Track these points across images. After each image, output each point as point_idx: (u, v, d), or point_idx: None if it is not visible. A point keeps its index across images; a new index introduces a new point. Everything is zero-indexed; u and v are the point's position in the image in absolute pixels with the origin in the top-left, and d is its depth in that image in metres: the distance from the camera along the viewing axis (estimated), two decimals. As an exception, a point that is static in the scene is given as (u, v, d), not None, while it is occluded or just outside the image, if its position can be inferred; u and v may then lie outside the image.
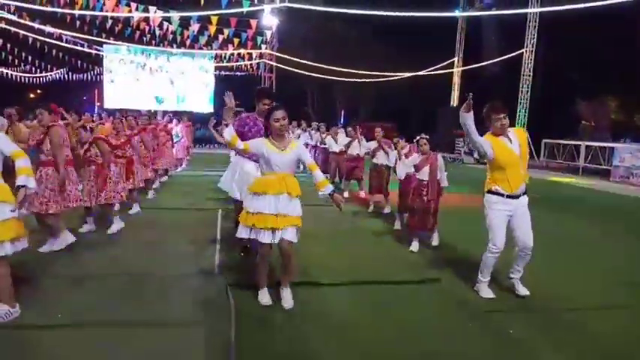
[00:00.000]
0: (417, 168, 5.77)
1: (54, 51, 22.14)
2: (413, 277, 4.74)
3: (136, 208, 7.36)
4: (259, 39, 19.49)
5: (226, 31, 16.82)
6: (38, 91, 34.60)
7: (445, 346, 3.34)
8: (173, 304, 3.87)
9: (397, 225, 6.97)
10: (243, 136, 4.52)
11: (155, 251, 5.35)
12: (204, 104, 26.63)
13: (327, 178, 11.12)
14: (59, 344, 3.15)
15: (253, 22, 17.18)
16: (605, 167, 16.90)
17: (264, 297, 3.97)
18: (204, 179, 11.77)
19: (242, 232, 3.88)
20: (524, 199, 4.18)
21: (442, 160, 5.96)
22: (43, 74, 28.00)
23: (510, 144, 4.10)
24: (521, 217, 4.15)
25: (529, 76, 20.66)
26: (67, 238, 5.17)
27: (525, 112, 20.91)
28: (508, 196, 4.10)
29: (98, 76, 27.74)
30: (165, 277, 4.48)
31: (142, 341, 3.23)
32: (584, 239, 6.85)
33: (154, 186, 9.24)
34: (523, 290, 4.31)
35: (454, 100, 26.03)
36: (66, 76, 27.87)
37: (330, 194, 3.82)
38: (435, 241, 5.99)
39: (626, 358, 3.29)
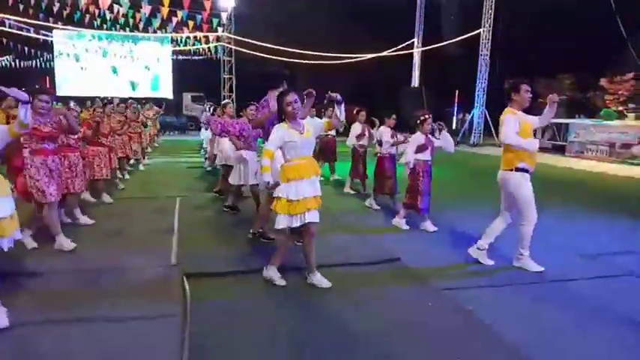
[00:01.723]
0: (422, 148, 5.72)
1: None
2: (373, 257, 4.73)
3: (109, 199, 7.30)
4: (215, 21, 18.92)
5: (180, 13, 16.21)
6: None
7: (404, 326, 3.33)
8: (127, 298, 3.71)
9: (373, 205, 7.07)
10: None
11: (111, 243, 5.16)
12: (167, 90, 26.07)
13: None
14: (7, 343, 2.99)
15: (207, 4, 16.62)
16: (560, 143, 17.41)
17: (279, 279, 4.02)
18: (163, 167, 11.48)
19: (288, 222, 3.80)
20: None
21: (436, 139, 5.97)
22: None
23: (529, 119, 4.34)
24: None
25: (487, 55, 20.94)
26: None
27: (484, 91, 21.23)
28: (530, 171, 4.33)
29: (48, 63, 26.48)
30: (121, 269, 4.32)
31: (93, 339, 3.08)
32: (543, 214, 7.01)
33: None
34: (535, 266, 4.48)
35: (415, 81, 26.21)
36: (12, 63, 26.41)
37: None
38: (431, 227, 5.86)
39: (584, 328, 3.37)
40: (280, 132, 3.80)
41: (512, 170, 4.31)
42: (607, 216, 6.87)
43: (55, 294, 3.71)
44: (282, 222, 3.82)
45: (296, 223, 3.80)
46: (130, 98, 13.34)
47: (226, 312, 3.51)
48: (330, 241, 5.24)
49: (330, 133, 8.76)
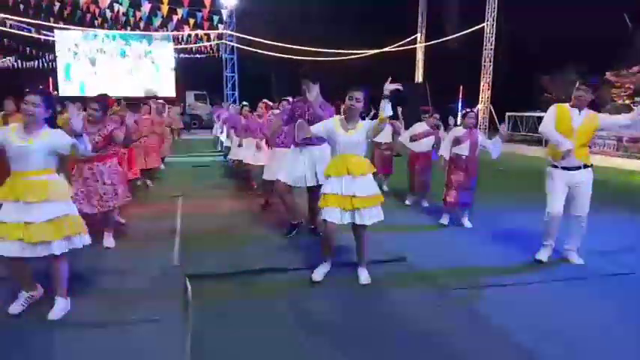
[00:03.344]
0: (458, 141, 5.68)
1: (-1, 38, 20.86)
2: (378, 256, 4.61)
3: None
4: (215, 18, 18.83)
5: (180, 11, 16.06)
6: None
7: (410, 327, 3.23)
8: (127, 301, 3.61)
9: (408, 201, 7.13)
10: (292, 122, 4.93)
11: (114, 244, 5.05)
12: (170, 89, 26.05)
13: None
14: (9, 349, 2.91)
15: (207, 1, 16.46)
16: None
17: (316, 273, 4.01)
18: (167, 166, 11.39)
19: (321, 214, 3.95)
20: (582, 173, 4.32)
21: (484, 135, 5.91)
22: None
23: (576, 116, 4.26)
24: (577, 189, 4.36)
25: (491, 49, 20.77)
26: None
27: (489, 85, 21.08)
28: (563, 167, 4.31)
29: (51, 63, 26.44)
30: (120, 272, 4.23)
31: (91, 344, 3.01)
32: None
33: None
34: (576, 259, 4.51)
35: (419, 76, 26.06)
36: (15, 64, 26.36)
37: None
38: (467, 223, 5.82)
39: (594, 328, 3.27)
40: (329, 123, 3.94)
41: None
42: (615, 212, 6.74)
43: (51, 298, 3.56)
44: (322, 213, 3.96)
45: (324, 217, 3.89)
46: (155, 97, 13.28)
47: (228, 314, 3.42)
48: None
49: (382, 141, 7.70)
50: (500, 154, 5.68)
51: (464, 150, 5.65)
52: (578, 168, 4.31)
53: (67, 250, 3.31)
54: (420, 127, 6.88)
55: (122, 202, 5.05)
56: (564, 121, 4.28)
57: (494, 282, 4.04)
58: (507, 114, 20.55)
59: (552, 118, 4.36)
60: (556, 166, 4.36)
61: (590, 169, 4.36)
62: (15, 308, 3.34)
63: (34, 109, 3.19)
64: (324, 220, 3.88)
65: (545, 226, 4.50)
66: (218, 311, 3.46)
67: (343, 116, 3.91)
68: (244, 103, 8.79)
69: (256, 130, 7.35)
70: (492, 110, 21.09)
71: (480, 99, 21.34)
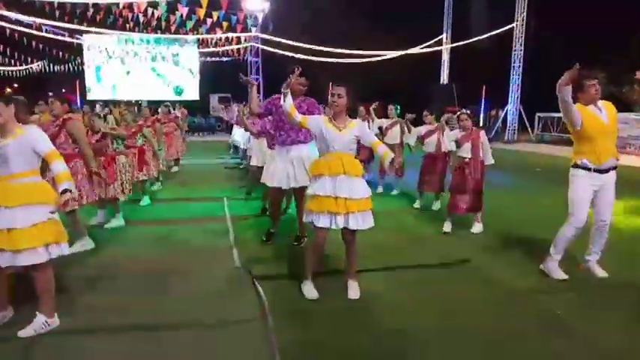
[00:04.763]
0: (458, 144, 5.56)
1: (33, 42, 21.21)
2: (440, 259, 4.58)
3: (146, 201, 7.20)
4: (249, 22, 18.88)
5: (215, 14, 16.07)
6: (15, 85, 33.50)
7: (484, 329, 3.19)
8: (199, 302, 3.64)
9: (417, 204, 6.95)
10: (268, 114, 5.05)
11: (166, 246, 5.12)
12: (193, 92, 26.29)
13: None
14: (84, 352, 2.95)
15: (244, 4, 16.50)
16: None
17: (310, 290, 3.69)
18: (203, 168, 11.49)
19: (306, 217, 3.73)
20: (613, 174, 3.98)
21: (485, 138, 5.65)
22: (22, 67, 26.97)
23: (600, 113, 3.92)
24: (604, 191, 3.96)
25: (520, 50, 20.49)
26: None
27: (518, 86, 20.80)
28: (595, 170, 3.89)
29: (79, 67, 26.86)
30: (184, 273, 4.25)
31: (173, 346, 3.03)
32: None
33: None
34: (600, 272, 4.11)
35: (444, 77, 25.82)
36: (46, 67, 26.87)
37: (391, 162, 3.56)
38: (475, 229, 5.57)
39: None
40: (320, 119, 3.79)
41: (572, 165, 4.03)
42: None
43: (120, 299, 3.64)
44: (304, 216, 3.83)
45: (308, 219, 3.69)
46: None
47: (304, 314, 3.43)
48: (388, 244, 5.10)
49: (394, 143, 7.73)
50: (491, 161, 5.58)
51: (464, 152, 5.49)
52: (608, 170, 3.93)
53: (46, 260, 3.09)
54: (424, 128, 6.91)
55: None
56: (594, 120, 3.87)
57: (567, 286, 3.98)
58: (538, 114, 20.27)
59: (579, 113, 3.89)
60: (587, 169, 3.90)
61: (615, 170, 4.00)
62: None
63: None
64: (315, 227, 3.63)
65: (562, 236, 4.04)
66: (292, 311, 3.47)
67: (330, 114, 3.75)
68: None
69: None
70: (522, 111, 20.80)
71: (509, 100, 21.06)
